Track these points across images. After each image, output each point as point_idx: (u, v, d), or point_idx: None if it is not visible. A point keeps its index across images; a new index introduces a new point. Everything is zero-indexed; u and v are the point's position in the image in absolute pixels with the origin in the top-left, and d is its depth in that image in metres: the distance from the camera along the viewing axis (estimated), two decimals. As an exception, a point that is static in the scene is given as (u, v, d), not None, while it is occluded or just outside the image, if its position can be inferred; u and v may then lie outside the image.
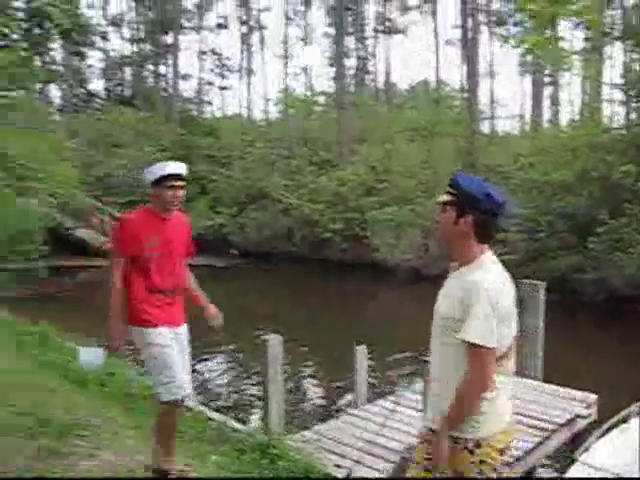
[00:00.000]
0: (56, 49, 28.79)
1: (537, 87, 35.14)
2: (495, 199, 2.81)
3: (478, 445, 2.83)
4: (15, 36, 11.97)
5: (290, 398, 8.86)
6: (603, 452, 5.76)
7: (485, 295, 2.70)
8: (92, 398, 6.65)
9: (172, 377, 4.13)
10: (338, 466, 5.54)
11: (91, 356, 7.80)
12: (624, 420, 6.32)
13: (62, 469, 4.49)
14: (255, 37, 45.20)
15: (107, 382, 7.21)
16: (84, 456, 4.76)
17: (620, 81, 24.42)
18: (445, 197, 2.88)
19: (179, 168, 4.25)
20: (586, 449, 5.82)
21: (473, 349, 2.69)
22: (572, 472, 5.53)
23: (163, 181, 4.17)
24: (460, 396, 2.74)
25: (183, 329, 4.37)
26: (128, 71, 46.82)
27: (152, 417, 6.16)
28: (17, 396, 5.99)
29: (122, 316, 4.21)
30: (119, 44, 47.01)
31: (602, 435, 6.04)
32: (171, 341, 4.19)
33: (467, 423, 2.83)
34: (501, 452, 2.90)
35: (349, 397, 8.44)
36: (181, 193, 4.22)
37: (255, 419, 7.55)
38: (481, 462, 2.84)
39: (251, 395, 8.58)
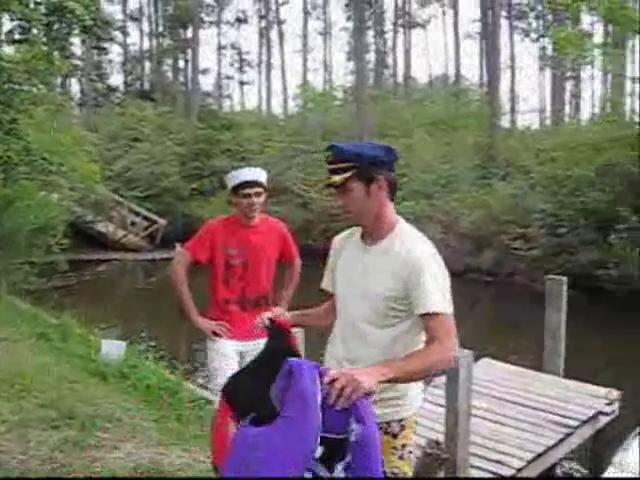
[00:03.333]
0: (75, 43, 28.87)
1: (558, 81, 34.93)
2: (393, 150, 2.56)
3: (403, 427, 2.61)
4: (36, 31, 12.00)
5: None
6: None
7: (430, 260, 2.47)
8: (113, 391, 6.70)
9: (219, 386, 4.09)
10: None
11: (113, 349, 7.84)
12: None
13: (85, 461, 4.52)
14: (274, 31, 45.21)
15: (128, 375, 7.24)
16: (108, 448, 4.79)
17: (643, 75, 24.23)
18: (341, 176, 2.48)
19: (254, 174, 4.14)
20: (623, 450, 5.69)
21: (435, 318, 2.40)
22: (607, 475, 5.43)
23: (238, 189, 4.09)
24: (427, 360, 2.37)
25: (260, 342, 4.24)
26: (147, 65, 47.00)
27: (175, 410, 6.24)
28: (41, 388, 6.04)
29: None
30: (138, 38, 47.01)
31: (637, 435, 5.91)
32: (232, 352, 4.13)
33: (391, 402, 2.57)
34: (414, 432, 2.70)
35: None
36: (256, 200, 4.11)
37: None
38: (403, 446, 2.62)
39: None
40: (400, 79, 44.03)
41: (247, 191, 4.08)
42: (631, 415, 7.14)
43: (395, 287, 2.47)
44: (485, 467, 5.49)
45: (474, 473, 5.24)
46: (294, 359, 2.26)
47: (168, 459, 4.73)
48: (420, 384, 2.72)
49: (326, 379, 2.11)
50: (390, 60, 46.63)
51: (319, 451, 2.06)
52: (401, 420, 2.60)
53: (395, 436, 2.60)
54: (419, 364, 2.36)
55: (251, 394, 2.28)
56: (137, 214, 26.36)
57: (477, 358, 7.98)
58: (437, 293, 2.42)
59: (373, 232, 2.58)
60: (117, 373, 7.29)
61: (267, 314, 2.71)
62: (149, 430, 5.41)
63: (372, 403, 2.22)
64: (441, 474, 4.59)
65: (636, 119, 23.36)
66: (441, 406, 5.21)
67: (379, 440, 2.17)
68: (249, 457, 2.08)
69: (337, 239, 2.83)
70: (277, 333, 2.62)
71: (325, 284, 2.88)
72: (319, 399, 2.08)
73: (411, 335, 2.53)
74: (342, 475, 2.08)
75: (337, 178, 2.49)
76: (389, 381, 2.30)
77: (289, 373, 2.16)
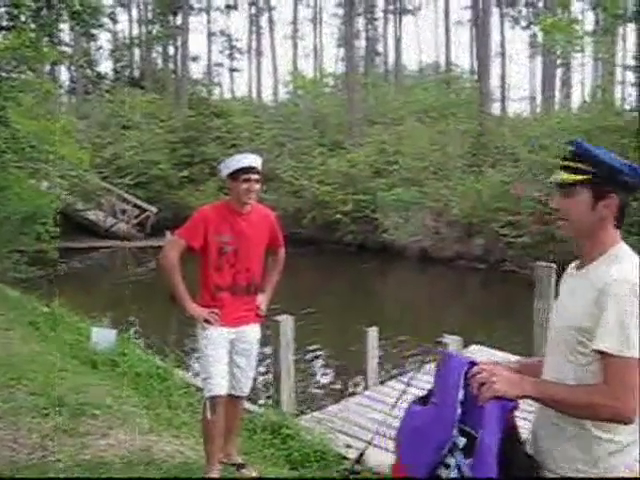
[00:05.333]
0: (64, 30, 28.69)
1: (548, 69, 34.89)
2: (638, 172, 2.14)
3: None
4: (24, 17, 11.90)
5: (301, 379, 8.91)
6: None
7: (624, 289, 2.03)
8: (103, 378, 6.69)
9: (209, 374, 4.13)
10: (349, 446, 5.56)
11: (103, 337, 7.83)
12: None
13: (75, 448, 4.52)
14: (264, 18, 45.02)
15: (119, 362, 7.24)
16: (98, 435, 4.79)
17: (632, 63, 24.22)
18: (572, 176, 2.15)
19: (254, 161, 4.17)
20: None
21: (608, 359, 2.02)
22: None
23: (238, 174, 4.10)
24: (584, 397, 2.04)
25: (250, 329, 4.30)
26: (137, 52, 46.72)
27: (165, 397, 6.25)
28: (30, 376, 6.03)
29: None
30: (127, 25, 46.74)
31: None
32: (223, 340, 4.15)
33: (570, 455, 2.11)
34: None
35: (360, 379, 8.48)
36: (256, 187, 4.14)
37: (267, 400, 7.57)
38: None
39: (263, 376, 8.62)
40: (391, 66, 43.93)
41: (248, 176, 4.10)
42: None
43: (583, 317, 2.10)
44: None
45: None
46: (450, 350, 2.39)
47: (158, 446, 4.73)
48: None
49: (472, 371, 2.13)
50: (381, 47, 46.57)
51: (462, 442, 2.13)
52: None
53: None
54: (573, 397, 2.05)
55: None
56: (127, 202, 26.28)
57: (467, 344, 8.04)
58: (617, 330, 2.01)
59: (585, 254, 2.23)
60: (107, 361, 7.29)
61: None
62: (139, 417, 5.41)
63: (509, 410, 2.10)
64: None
65: (626, 107, 23.44)
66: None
67: (492, 452, 2.04)
68: (406, 431, 2.39)
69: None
70: None
71: None
72: (460, 395, 2.15)
73: (599, 379, 2.08)
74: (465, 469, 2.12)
75: (566, 176, 2.17)
76: (533, 399, 2.10)
77: (442, 362, 2.30)
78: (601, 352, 2.03)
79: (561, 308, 2.26)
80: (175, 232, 4.30)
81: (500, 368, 2.14)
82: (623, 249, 2.19)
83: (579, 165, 2.14)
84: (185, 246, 4.15)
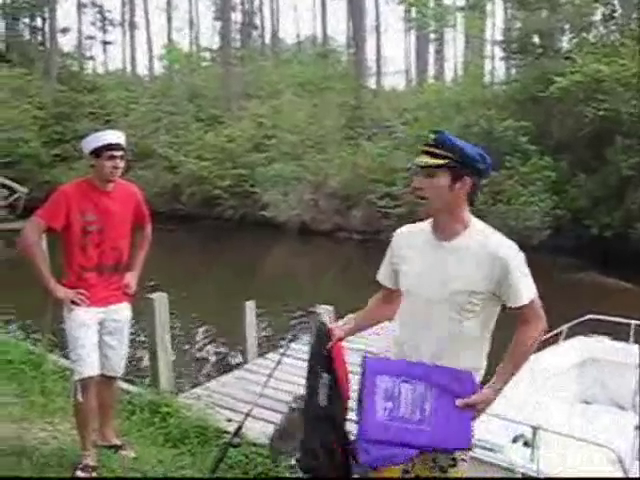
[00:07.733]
0: None
1: (422, 43, 35.69)
2: (488, 160, 2.55)
3: (454, 463, 2.57)
4: None
5: (180, 357, 8.86)
6: None
7: (513, 252, 2.53)
8: (-28, 367, 6.43)
9: (78, 356, 4.01)
10: (229, 420, 5.60)
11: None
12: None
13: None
14: (137, -12, 43.66)
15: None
16: (-34, 426, 4.62)
17: (501, 38, 25.17)
18: (434, 160, 2.49)
19: (118, 137, 4.04)
20: None
21: (528, 306, 2.56)
22: None
23: (101, 151, 3.96)
24: (529, 347, 2.60)
25: (119, 308, 4.20)
26: (1, 24, 44.31)
27: (39, 384, 6.08)
28: None
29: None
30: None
31: None
32: (91, 321, 4.04)
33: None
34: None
35: (240, 353, 8.52)
36: (121, 164, 4.01)
37: (145, 379, 7.49)
38: None
39: (140, 355, 8.51)
40: (268, 40, 43.73)
41: (112, 153, 3.98)
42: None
43: (481, 283, 2.52)
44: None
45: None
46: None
47: (30, 434, 4.61)
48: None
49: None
50: (258, 21, 46.21)
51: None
52: (454, 457, 2.57)
53: (445, 472, 2.57)
54: (523, 359, 2.64)
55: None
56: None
57: (340, 313, 8.22)
58: (526, 283, 2.55)
59: (447, 228, 2.59)
60: (-26, 349, 7.00)
61: None
62: (11, 406, 5.25)
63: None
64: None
65: (494, 80, 24.39)
66: (304, 360, 5.33)
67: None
68: None
69: (400, 233, 2.81)
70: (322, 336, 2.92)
71: (382, 277, 2.93)
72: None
73: (480, 327, 2.60)
74: None
75: (429, 160, 2.50)
76: None
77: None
78: (523, 305, 2.56)
79: (438, 276, 2.58)
80: (35, 213, 4.15)
81: (482, 397, 2.55)
82: (480, 223, 2.63)
83: (439, 151, 2.49)
84: (45, 227, 4.02)
